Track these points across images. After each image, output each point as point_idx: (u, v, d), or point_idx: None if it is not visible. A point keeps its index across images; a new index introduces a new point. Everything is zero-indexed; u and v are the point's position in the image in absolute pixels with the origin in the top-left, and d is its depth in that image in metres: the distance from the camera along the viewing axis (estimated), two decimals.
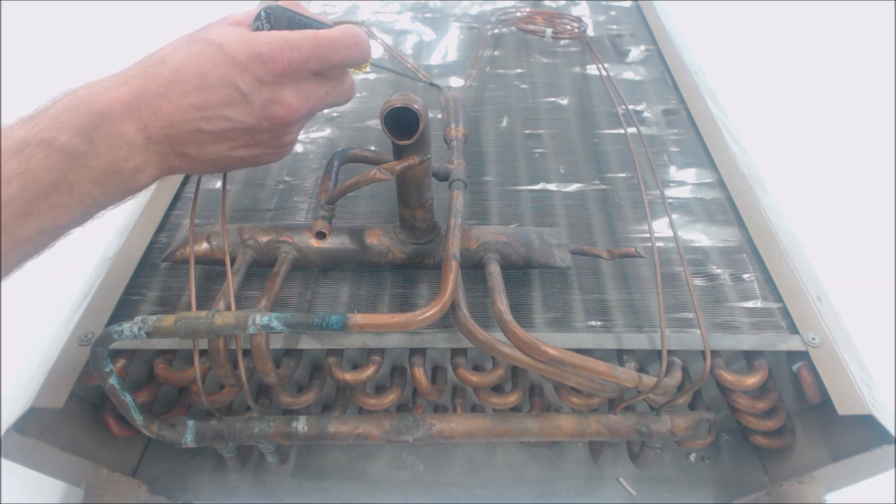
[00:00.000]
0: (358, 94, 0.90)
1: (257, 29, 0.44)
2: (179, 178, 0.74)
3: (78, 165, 0.37)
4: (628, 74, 0.94)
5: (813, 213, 0.90)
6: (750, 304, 0.59)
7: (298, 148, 0.80)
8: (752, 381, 0.55)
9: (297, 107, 0.44)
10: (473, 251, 0.58)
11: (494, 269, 0.55)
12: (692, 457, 0.67)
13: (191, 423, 0.54)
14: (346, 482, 0.65)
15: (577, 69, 0.95)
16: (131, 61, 0.43)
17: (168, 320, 0.45)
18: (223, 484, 0.65)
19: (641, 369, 0.58)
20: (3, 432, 0.50)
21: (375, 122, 0.84)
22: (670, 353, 0.53)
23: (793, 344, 0.55)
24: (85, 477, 0.58)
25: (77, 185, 0.38)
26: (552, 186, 0.73)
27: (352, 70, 0.49)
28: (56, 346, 0.56)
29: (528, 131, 0.82)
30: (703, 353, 0.51)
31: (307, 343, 0.55)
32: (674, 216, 0.69)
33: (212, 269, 0.62)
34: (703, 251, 0.65)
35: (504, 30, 1.05)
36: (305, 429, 0.54)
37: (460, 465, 0.67)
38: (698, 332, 0.55)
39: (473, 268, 0.59)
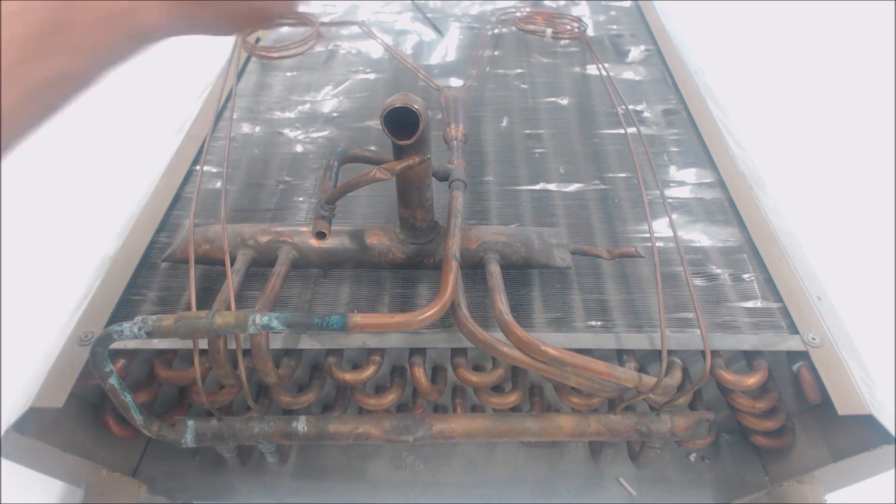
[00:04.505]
0: (358, 94, 0.90)
1: None
2: (179, 178, 0.74)
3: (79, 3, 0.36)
4: (628, 74, 0.94)
5: (813, 213, 0.90)
6: (750, 304, 0.59)
7: (298, 148, 0.80)
8: (752, 381, 0.55)
9: None
10: (473, 251, 0.58)
11: (494, 269, 0.55)
12: (692, 457, 0.67)
13: (191, 423, 0.54)
14: (346, 482, 0.65)
15: (577, 69, 0.95)
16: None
17: (168, 320, 0.45)
18: (223, 484, 0.65)
19: (641, 369, 0.58)
20: (3, 432, 0.50)
21: (375, 122, 0.84)
22: (670, 353, 0.53)
23: (793, 344, 0.55)
24: (85, 477, 0.58)
25: (79, 24, 0.36)
26: (552, 186, 0.73)
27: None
28: (56, 346, 0.56)
29: (528, 131, 0.82)
30: (703, 353, 0.51)
31: (307, 343, 0.55)
32: (674, 216, 0.69)
33: (212, 269, 0.62)
34: (703, 251, 0.65)
35: (504, 30, 1.05)
36: (305, 429, 0.54)
37: (460, 465, 0.67)
38: (698, 332, 0.55)
39: (473, 268, 0.59)
